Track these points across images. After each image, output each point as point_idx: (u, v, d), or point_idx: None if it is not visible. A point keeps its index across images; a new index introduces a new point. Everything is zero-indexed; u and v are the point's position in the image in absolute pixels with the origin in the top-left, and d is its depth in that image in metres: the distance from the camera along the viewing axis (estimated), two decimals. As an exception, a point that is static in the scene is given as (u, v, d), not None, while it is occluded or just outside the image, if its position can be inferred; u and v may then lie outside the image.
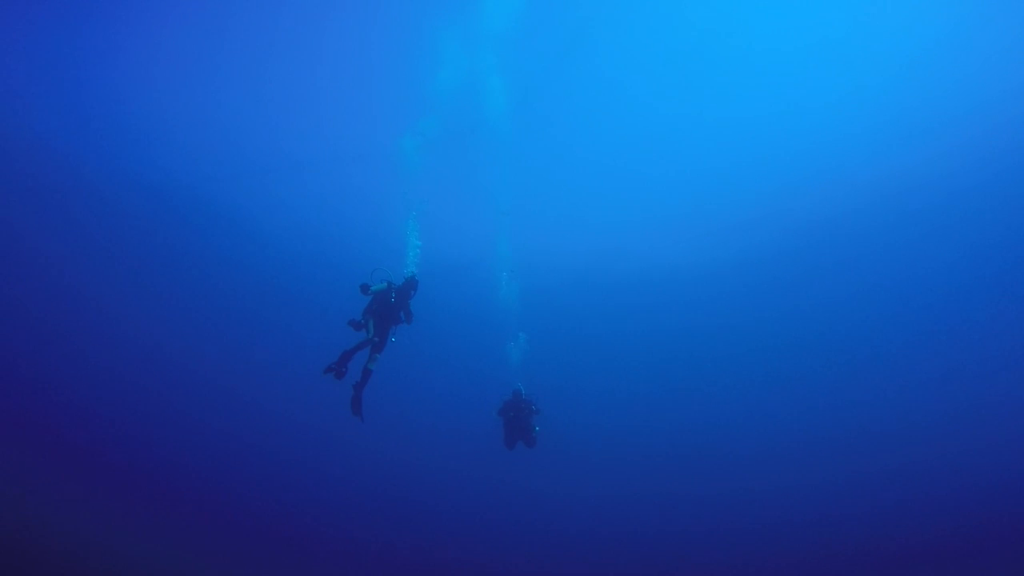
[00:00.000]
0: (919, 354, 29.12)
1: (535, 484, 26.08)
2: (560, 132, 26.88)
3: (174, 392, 27.90)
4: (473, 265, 27.69)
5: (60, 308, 27.48)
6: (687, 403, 30.58)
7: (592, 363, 30.83)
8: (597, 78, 25.49)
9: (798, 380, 29.72)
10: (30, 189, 25.99)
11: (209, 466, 25.83)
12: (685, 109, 26.35)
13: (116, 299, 28.42)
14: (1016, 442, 25.35)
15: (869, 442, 27.63)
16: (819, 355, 29.77)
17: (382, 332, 10.75)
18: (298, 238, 28.78)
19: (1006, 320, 27.67)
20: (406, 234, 17.11)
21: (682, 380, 30.74)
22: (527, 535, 25.61)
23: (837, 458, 27.38)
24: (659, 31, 24.21)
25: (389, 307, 10.77)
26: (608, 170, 28.16)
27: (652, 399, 30.68)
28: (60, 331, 27.26)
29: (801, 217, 28.11)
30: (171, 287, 28.85)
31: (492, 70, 21.87)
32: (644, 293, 30.33)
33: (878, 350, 29.45)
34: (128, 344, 28.06)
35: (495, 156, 25.34)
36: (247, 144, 25.92)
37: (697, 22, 24.08)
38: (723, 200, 28.05)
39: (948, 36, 23.42)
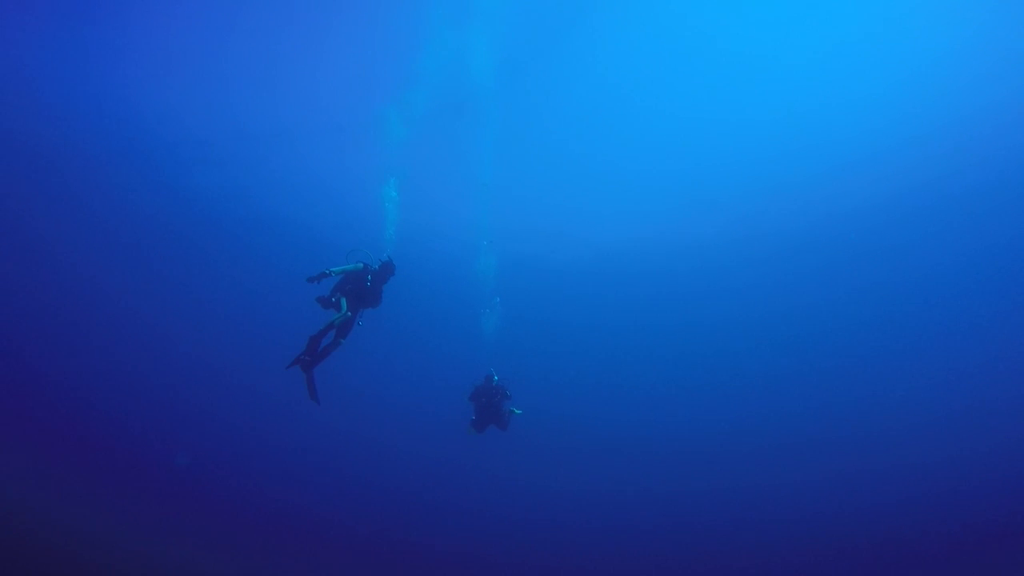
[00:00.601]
0: (898, 351, 29.35)
1: (507, 467, 26.06)
2: (547, 111, 26.50)
3: (136, 363, 27.24)
4: (451, 235, 27.22)
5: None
6: (663, 390, 30.62)
7: (567, 345, 30.73)
8: (586, 60, 25.15)
9: (785, 375, 29.74)
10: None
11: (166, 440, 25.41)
12: (675, 97, 26.12)
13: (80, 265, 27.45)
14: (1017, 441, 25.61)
15: (851, 438, 27.75)
16: (807, 349, 29.83)
17: (351, 314, 10.23)
18: (277, 207, 27.96)
19: (1008, 318, 27.87)
20: (384, 201, 16.61)
21: (658, 367, 30.74)
22: (496, 519, 25.63)
23: (823, 454, 27.50)
24: (651, 20, 23.72)
25: (364, 290, 10.25)
26: (593, 152, 27.92)
27: (628, 386, 30.73)
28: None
29: (796, 210, 28.19)
30: (143, 255, 27.93)
31: (481, 45, 21.14)
32: (625, 279, 30.21)
33: (863, 346, 29.63)
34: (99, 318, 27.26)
35: (480, 131, 24.68)
36: (230, 111, 24.94)
37: (691, 11, 23.48)
38: (709, 189, 27.99)
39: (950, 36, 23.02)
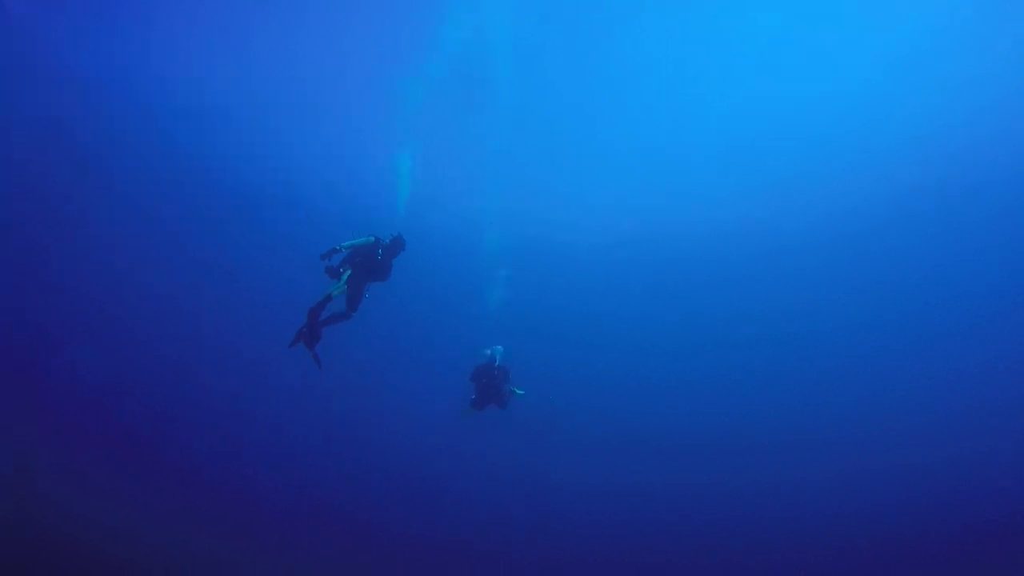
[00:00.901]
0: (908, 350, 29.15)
1: (505, 451, 25.79)
2: (566, 91, 25.89)
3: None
4: (460, 211, 26.72)
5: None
6: (671, 383, 30.22)
7: (573, 329, 30.37)
8: (609, 39, 24.47)
9: (795, 371, 29.29)
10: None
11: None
12: (702, 83, 25.53)
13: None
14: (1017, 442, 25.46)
15: (856, 437, 27.50)
16: (815, 345, 29.44)
17: (359, 287, 10.34)
18: (289, 176, 27.33)
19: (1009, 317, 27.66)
20: (397, 172, 16.21)
21: (665, 359, 30.33)
22: (495, 506, 25.14)
23: (824, 452, 27.26)
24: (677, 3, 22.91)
25: (374, 263, 10.39)
26: (612, 136, 27.35)
27: (633, 376, 30.36)
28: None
29: (814, 203, 27.89)
30: (150, 224, 27.15)
31: (503, 21, 20.44)
32: (637, 267, 29.84)
33: (868, 345, 29.39)
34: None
35: (496, 108, 24.01)
36: (244, 73, 23.92)
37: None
38: (729, 179, 27.56)
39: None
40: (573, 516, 25.09)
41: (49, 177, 25.80)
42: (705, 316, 30.30)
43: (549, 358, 27.20)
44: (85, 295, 26.35)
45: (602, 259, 29.93)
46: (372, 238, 10.35)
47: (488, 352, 12.97)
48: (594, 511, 25.42)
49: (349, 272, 10.16)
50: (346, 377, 22.79)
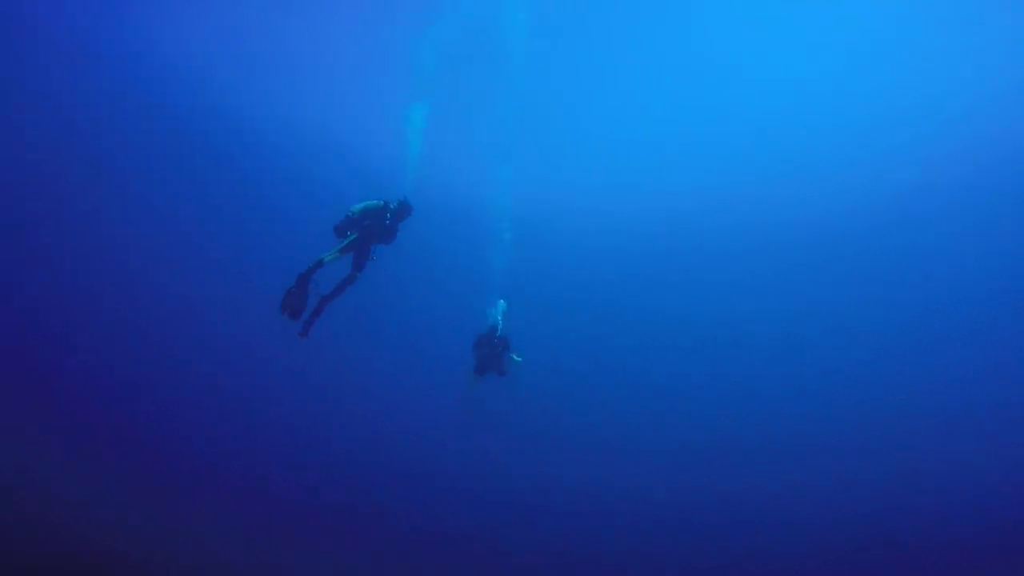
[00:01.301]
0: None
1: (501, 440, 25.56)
2: (580, 68, 25.80)
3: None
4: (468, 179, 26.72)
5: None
6: (674, 381, 29.90)
7: (577, 317, 30.07)
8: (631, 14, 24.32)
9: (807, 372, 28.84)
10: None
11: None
12: (723, 68, 25.51)
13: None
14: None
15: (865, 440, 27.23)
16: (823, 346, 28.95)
17: (365, 249, 10.53)
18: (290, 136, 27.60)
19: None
20: (407, 136, 16.54)
21: (671, 356, 30.04)
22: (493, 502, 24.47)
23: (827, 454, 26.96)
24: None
25: (382, 227, 10.53)
26: (627, 108, 27.26)
27: (637, 371, 30.01)
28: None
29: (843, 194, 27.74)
30: (146, 189, 27.39)
31: None
32: (648, 258, 29.56)
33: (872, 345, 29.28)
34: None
35: (506, 80, 24.17)
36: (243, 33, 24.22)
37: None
38: (748, 170, 27.50)
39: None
40: (574, 512, 24.74)
41: (62, 177, 26.31)
42: (710, 311, 29.97)
43: (551, 335, 27.09)
44: (99, 295, 26.49)
45: (613, 239, 29.59)
46: (381, 202, 10.54)
47: (491, 311, 13.46)
48: (594, 507, 25.03)
49: (354, 236, 10.36)
50: (347, 362, 22.63)
